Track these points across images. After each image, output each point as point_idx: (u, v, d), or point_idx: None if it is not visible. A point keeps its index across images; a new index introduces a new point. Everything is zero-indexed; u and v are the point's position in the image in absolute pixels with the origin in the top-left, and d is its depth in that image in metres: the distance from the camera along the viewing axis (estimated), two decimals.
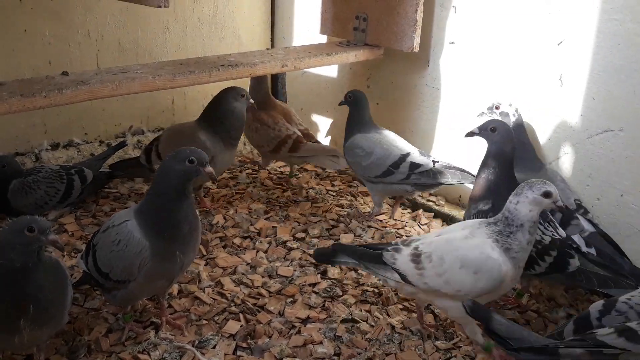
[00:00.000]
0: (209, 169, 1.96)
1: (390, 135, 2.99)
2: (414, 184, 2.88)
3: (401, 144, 2.95)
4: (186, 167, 1.92)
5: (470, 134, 2.43)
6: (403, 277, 2.07)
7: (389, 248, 2.13)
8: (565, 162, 2.67)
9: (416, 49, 3.04)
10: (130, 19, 3.38)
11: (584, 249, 2.25)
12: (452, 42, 3.07)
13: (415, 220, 3.09)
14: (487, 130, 2.36)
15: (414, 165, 2.86)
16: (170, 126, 3.14)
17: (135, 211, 1.98)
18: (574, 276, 2.17)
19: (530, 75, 2.75)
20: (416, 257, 2.05)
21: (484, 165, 2.37)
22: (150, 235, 1.92)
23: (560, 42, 2.61)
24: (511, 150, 2.33)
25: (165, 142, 2.92)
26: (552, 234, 2.24)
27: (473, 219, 2.24)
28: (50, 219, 2.76)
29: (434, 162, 2.89)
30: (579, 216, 2.42)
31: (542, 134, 2.75)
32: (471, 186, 2.53)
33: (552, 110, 2.69)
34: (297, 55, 3.01)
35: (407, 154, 2.89)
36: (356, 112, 3.01)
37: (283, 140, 3.15)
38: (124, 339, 2.10)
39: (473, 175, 2.65)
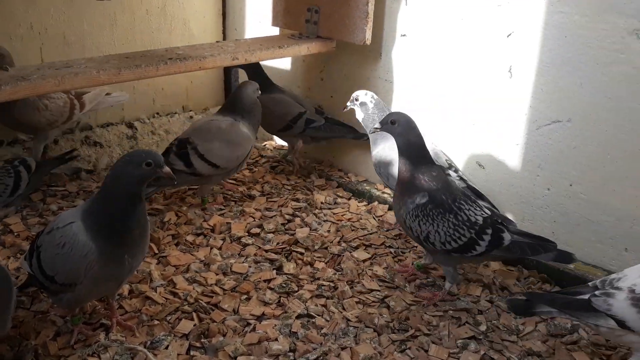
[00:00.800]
0: (167, 169, 1.92)
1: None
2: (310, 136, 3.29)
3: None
4: (143, 171, 1.87)
5: (374, 130, 2.45)
6: (620, 324, 1.88)
7: (596, 293, 1.93)
8: (516, 152, 2.71)
9: (368, 42, 3.04)
10: (75, 11, 3.27)
11: None
12: (404, 35, 3.07)
13: (370, 213, 3.09)
14: (388, 123, 2.36)
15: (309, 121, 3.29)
16: (195, 124, 3.00)
17: (82, 212, 1.91)
18: (509, 249, 2.26)
19: (481, 67, 2.78)
20: (638, 302, 1.86)
21: (401, 159, 2.34)
22: (97, 238, 1.87)
23: (510, 34, 2.64)
24: (417, 138, 2.32)
25: (203, 140, 2.83)
26: (482, 213, 2.30)
27: (413, 213, 2.27)
28: None
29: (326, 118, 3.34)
30: (451, 173, 2.66)
31: (493, 125, 2.78)
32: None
33: (502, 101, 2.72)
34: (248, 47, 2.97)
35: (304, 112, 3.29)
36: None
37: None
38: (73, 342, 2.04)
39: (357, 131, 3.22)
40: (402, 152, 2.31)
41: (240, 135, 2.92)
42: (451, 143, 2.93)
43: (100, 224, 1.88)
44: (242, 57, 2.87)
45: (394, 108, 3.17)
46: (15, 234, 2.65)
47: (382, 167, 2.83)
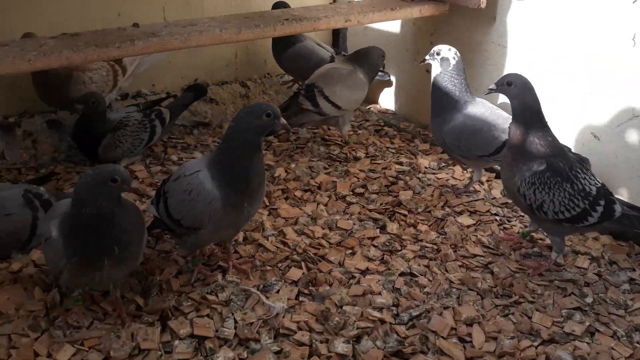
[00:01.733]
0: (283, 120, 2.01)
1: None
2: None
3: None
4: (264, 121, 1.97)
5: (489, 91, 2.40)
6: None
7: None
8: (634, 124, 2.60)
9: (483, 5, 2.98)
10: None
11: None
12: None
13: None
14: (504, 84, 2.31)
15: None
16: (320, 72, 3.22)
17: (208, 162, 2.04)
18: (619, 221, 2.22)
19: (602, 34, 2.66)
20: None
21: (516, 122, 2.29)
22: (221, 187, 1.99)
23: (635, 1, 2.51)
24: (534, 100, 2.26)
25: (327, 84, 3.11)
26: (595, 183, 2.24)
27: (529, 180, 2.23)
28: (122, 165, 2.90)
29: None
30: None
31: (611, 95, 2.67)
32: None
33: (623, 71, 2.60)
34: (361, 9, 3.00)
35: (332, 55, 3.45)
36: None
37: None
38: (193, 281, 2.21)
39: None
40: (516, 115, 2.28)
41: (358, 81, 3.16)
42: (565, 112, 2.84)
43: (224, 173, 2.00)
44: (355, 19, 2.91)
45: (506, 73, 3.11)
46: (140, 180, 2.86)
47: (467, 135, 2.73)
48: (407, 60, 3.64)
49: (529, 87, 2.28)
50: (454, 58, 2.75)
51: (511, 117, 2.70)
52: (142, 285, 2.18)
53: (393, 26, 3.67)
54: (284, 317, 2.08)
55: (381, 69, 3.29)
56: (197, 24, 2.53)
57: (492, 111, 2.78)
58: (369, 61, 3.21)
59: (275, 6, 3.43)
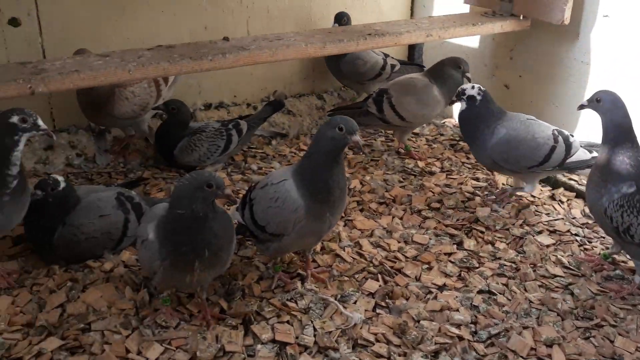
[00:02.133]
0: (357, 137, 2.03)
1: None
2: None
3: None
4: (336, 134, 2.01)
5: (581, 107, 2.37)
6: None
7: None
8: None
9: (566, 22, 2.95)
10: None
11: None
12: (606, 16, 2.93)
13: (554, 199, 3.02)
14: (594, 101, 2.28)
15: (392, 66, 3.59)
16: (397, 80, 3.33)
17: (293, 172, 2.10)
18: None
19: None
20: None
21: (605, 140, 2.25)
22: (305, 196, 2.05)
23: None
24: (624, 118, 2.21)
25: (398, 93, 3.17)
26: None
27: (618, 202, 2.18)
28: None
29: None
30: None
31: None
32: None
33: None
34: (442, 24, 3.01)
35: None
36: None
37: None
38: (274, 287, 2.27)
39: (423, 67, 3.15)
40: (606, 133, 2.23)
41: (431, 96, 3.17)
42: None
43: (307, 183, 2.06)
44: (436, 34, 2.92)
45: (589, 91, 3.05)
46: None
47: (514, 145, 2.68)
48: (485, 75, 3.62)
49: (619, 104, 2.23)
50: (479, 94, 2.72)
51: (550, 125, 2.66)
52: (225, 288, 2.26)
53: (471, 40, 3.65)
54: (361, 328, 2.11)
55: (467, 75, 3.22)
56: (283, 37, 2.61)
57: (531, 121, 2.76)
58: (448, 78, 3.18)
59: (338, 16, 3.51)
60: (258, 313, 2.13)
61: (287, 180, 2.08)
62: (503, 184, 3.12)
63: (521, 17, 3.15)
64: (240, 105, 3.65)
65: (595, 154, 2.70)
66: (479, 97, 2.72)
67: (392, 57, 3.75)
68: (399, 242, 2.61)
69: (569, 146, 2.70)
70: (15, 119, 1.77)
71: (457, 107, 2.80)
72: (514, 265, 2.49)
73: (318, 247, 2.51)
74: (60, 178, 2.24)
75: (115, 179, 2.98)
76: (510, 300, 2.29)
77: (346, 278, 2.35)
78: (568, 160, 2.70)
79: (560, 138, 2.69)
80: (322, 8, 3.71)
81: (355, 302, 2.23)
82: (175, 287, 2.09)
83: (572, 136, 2.75)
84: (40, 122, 1.84)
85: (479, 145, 2.76)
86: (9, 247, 2.43)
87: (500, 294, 2.32)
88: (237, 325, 2.07)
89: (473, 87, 2.74)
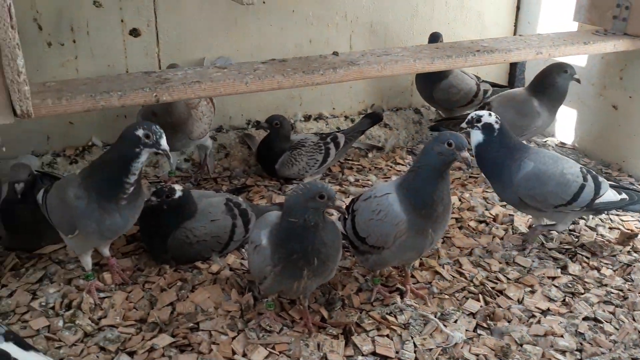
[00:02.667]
0: (465, 154, 2.03)
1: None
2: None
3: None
4: (444, 150, 2.01)
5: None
6: None
7: None
8: None
9: None
10: (384, 2, 3.55)
11: None
12: None
13: None
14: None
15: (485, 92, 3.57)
16: (501, 93, 3.35)
17: (397, 185, 2.12)
18: None
19: None
20: None
21: None
22: (408, 210, 2.06)
23: None
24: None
25: (497, 104, 3.18)
26: None
27: None
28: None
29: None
30: None
31: None
32: None
33: None
34: (552, 42, 2.94)
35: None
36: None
37: None
38: (373, 300, 2.29)
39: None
40: None
41: (530, 107, 3.12)
42: None
43: (411, 197, 2.06)
44: (546, 52, 2.86)
45: None
46: None
47: (542, 184, 2.44)
48: (592, 94, 3.50)
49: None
50: (496, 122, 2.45)
51: (577, 163, 2.57)
52: (325, 297, 2.29)
53: (578, 59, 3.54)
54: (462, 347, 2.09)
55: (575, 77, 3.10)
56: (390, 53, 2.64)
57: (558, 155, 2.57)
58: (550, 86, 3.10)
59: (433, 36, 3.46)
60: (358, 324, 2.16)
61: (391, 194, 2.10)
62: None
63: (636, 37, 3.02)
64: (338, 117, 3.70)
65: (624, 195, 2.55)
66: (496, 126, 2.45)
67: (485, 81, 3.69)
68: (500, 262, 2.57)
69: (597, 186, 2.49)
70: (140, 132, 1.87)
71: (473, 139, 2.49)
72: (621, 293, 2.39)
73: (417, 263, 2.50)
74: (178, 187, 2.34)
75: (220, 184, 3.10)
76: (617, 329, 2.20)
77: (446, 296, 2.34)
78: (597, 201, 2.50)
79: (589, 176, 2.50)
80: (425, 23, 3.71)
81: (455, 321, 2.21)
82: (281, 293, 2.15)
83: (601, 176, 2.58)
84: (162, 141, 1.91)
85: (503, 181, 2.50)
86: (123, 245, 2.57)
87: (607, 322, 2.23)
88: (337, 335, 2.10)
89: (490, 115, 2.46)
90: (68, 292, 2.22)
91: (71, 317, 2.10)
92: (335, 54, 2.61)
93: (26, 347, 1.58)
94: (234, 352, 2.01)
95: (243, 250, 2.56)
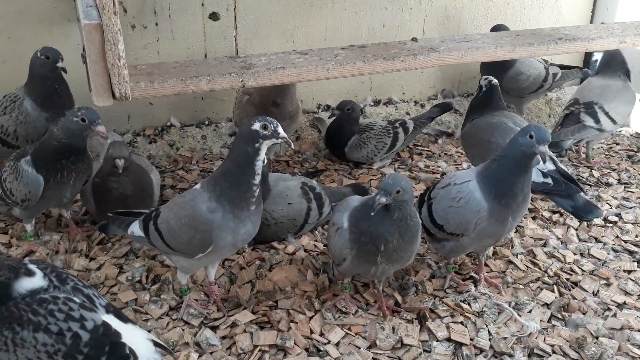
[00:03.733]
0: (543, 148, 1.98)
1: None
2: None
3: None
4: (526, 142, 1.98)
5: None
6: None
7: None
8: None
9: None
10: None
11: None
12: None
13: None
14: None
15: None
16: (590, 87, 3.27)
17: (477, 173, 2.12)
18: None
19: None
20: None
21: None
22: (488, 199, 2.06)
23: None
24: None
25: (608, 100, 3.15)
26: None
27: None
28: (374, 167, 3.12)
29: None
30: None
31: None
32: None
33: None
34: (637, 31, 2.84)
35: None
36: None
37: None
38: (446, 287, 2.31)
39: None
40: None
41: (631, 94, 3.22)
42: None
43: (492, 186, 2.06)
44: (630, 41, 2.77)
45: None
46: None
47: None
48: None
49: None
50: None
51: None
52: (399, 282, 2.33)
53: None
54: (537, 337, 2.09)
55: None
56: (470, 39, 2.61)
57: None
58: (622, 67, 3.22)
59: (495, 29, 3.36)
60: (432, 310, 2.19)
61: (471, 181, 2.10)
62: None
63: None
64: (408, 102, 3.70)
65: (549, 180, 2.54)
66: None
67: (553, 64, 3.60)
68: (574, 254, 2.54)
69: None
70: (257, 125, 1.79)
71: None
72: None
73: (490, 252, 2.51)
74: None
75: (292, 167, 3.16)
76: None
77: (520, 286, 2.34)
78: None
79: None
80: (500, 7, 3.66)
81: (530, 311, 2.21)
82: (358, 276, 2.20)
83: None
84: (280, 129, 1.82)
85: None
86: None
87: None
88: (412, 320, 2.14)
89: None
90: (152, 266, 2.33)
91: (157, 291, 2.21)
92: (414, 39, 2.61)
93: (124, 319, 1.68)
94: (311, 331, 2.08)
95: (316, 232, 2.62)
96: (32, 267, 1.61)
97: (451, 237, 2.19)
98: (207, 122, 3.33)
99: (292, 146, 1.91)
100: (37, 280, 1.58)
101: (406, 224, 1.95)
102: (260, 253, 2.45)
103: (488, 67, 3.45)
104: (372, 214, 1.87)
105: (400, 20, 3.47)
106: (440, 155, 3.36)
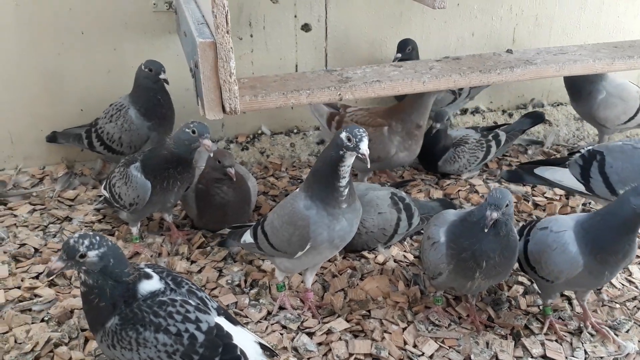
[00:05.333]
0: None
1: None
2: None
3: None
4: (637, 202, 1.89)
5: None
6: None
7: None
8: None
9: None
10: None
11: None
12: None
13: None
14: None
15: None
16: None
17: (577, 223, 2.04)
18: None
19: None
20: None
21: None
22: (585, 253, 1.97)
23: None
24: None
25: None
26: None
27: None
28: (463, 178, 3.12)
29: None
30: None
31: None
32: None
33: None
34: None
35: None
36: None
37: None
38: (544, 331, 2.17)
39: None
40: None
41: None
42: None
43: (591, 240, 1.98)
44: None
45: None
46: (480, 194, 3.02)
47: None
48: None
49: None
50: None
51: None
52: (491, 297, 2.33)
53: None
54: (634, 358, 2.04)
55: None
56: (567, 51, 2.57)
57: None
58: None
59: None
60: (526, 327, 2.18)
61: (568, 231, 2.03)
62: None
63: None
64: (496, 111, 3.67)
65: None
66: None
67: None
68: None
69: None
70: (344, 135, 1.89)
71: None
72: None
73: None
74: None
75: (378, 176, 3.20)
76: None
77: (617, 305, 2.29)
78: None
79: None
80: (593, 15, 3.56)
81: (627, 331, 2.17)
82: (451, 290, 2.21)
83: None
84: (362, 144, 1.87)
85: None
86: None
87: None
88: (506, 336, 2.14)
89: None
90: (250, 271, 2.43)
91: (255, 295, 2.30)
92: (509, 51, 2.58)
93: (234, 322, 1.77)
94: (405, 342, 2.11)
95: (405, 242, 2.65)
96: (149, 270, 1.73)
97: (541, 280, 2.13)
98: (295, 131, 3.42)
99: (369, 165, 1.94)
100: (155, 283, 1.69)
101: (508, 240, 1.95)
102: (351, 262, 2.50)
103: (574, 92, 3.26)
104: (486, 230, 1.88)
105: (490, 29, 3.45)
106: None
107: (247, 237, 2.24)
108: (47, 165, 3.14)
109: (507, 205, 1.87)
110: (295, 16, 3.16)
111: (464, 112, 3.62)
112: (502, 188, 1.99)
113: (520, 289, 2.37)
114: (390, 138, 2.84)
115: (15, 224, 2.68)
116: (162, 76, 2.74)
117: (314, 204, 1.96)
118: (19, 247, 2.52)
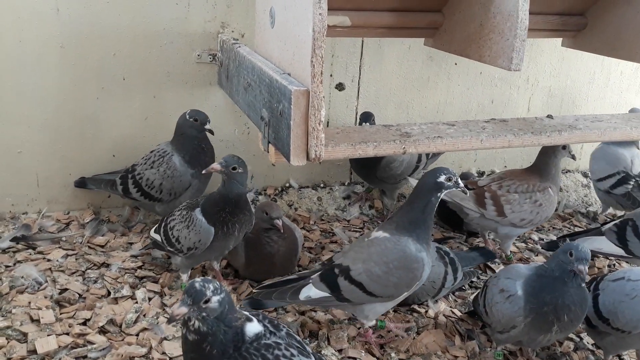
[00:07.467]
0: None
1: None
2: None
3: None
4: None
5: None
6: None
7: None
8: None
9: None
10: (564, 68, 3.68)
11: None
12: None
13: None
14: None
15: None
16: None
17: None
18: None
19: None
20: None
21: None
22: None
23: None
24: None
25: None
26: None
27: None
28: (491, 238, 3.19)
29: None
30: None
31: None
32: None
33: None
34: None
35: None
36: None
37: None
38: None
39: None
40: None
41: None
42: None
43: None
44: None
45: None
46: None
47: None
48: None
49: None
50: None
51: None
52: (546, 353, 2.36)
53: None
54: None
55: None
56: (602, 119, 2.73)
57: None
58: None
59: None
60: None
61: None
62: None
63: None
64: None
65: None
66: None
67: None
68: None
69: None
70: (442, 178, 2.03)
71: None
72: None
73: None
74: None
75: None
76: None
77: None
78: None
79: None
80: (599, 90, 3.82)
81: None
82: (519, 344, 2.23)
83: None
84: (459, 179, 2.12)
85: None
86: None
87: None
88: None
89: None
90: (305, 322, 2.39)
91: (316, 348, 2.25)
92: (550, 117, 2.73)
93: None
94: None
95: (450, 298, 2.67)
96: (246, 313, 1.69)
97: (616, 332, 2.18)
98: (322, 185, 3.45)
99: (467, 194, 2.22)
100: (256, 326, 1.66)
101: (584, 292, 2.01)
102: (403, 315, 2.50)
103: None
104: (583, 285, 2.00)
105: (507, 97, 3.63)
106: (549, 229, 3.43)
107: (314, 293, 2.18)
108: (71, 210, 3.05)
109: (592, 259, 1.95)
110: (331, 75, 3.25)
111: (481, 174, 3.75)
112: (576, 243, 2.06)
113: (572, 345, 2.41)
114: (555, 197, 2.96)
115: (50, 269, 2.57)
116: (207, 126, 2.75)
117: (422, 246, 2.10)
118: (61, 293, 2.41)
